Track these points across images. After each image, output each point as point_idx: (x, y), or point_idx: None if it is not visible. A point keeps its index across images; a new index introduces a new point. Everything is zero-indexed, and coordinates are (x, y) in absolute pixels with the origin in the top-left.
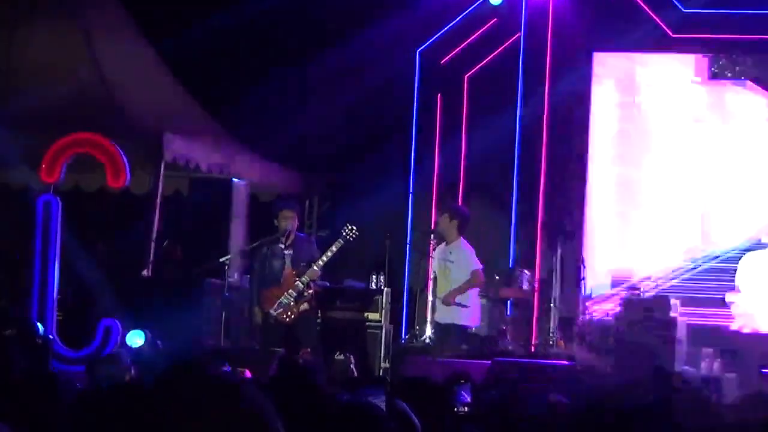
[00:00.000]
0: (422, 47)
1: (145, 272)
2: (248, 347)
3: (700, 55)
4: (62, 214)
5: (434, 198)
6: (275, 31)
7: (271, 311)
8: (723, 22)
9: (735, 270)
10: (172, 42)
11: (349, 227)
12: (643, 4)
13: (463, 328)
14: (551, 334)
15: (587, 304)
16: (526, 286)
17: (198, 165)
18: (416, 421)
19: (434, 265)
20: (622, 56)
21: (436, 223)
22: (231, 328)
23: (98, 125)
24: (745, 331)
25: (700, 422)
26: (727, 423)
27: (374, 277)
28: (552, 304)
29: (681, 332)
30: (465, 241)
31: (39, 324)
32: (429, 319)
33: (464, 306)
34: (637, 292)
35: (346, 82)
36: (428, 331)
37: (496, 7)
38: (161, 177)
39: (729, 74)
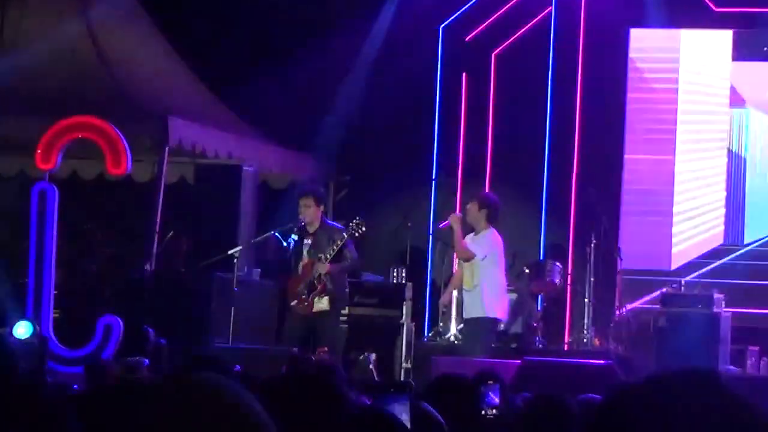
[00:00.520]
0: (445, 23)
1: (147, 266)
2: (259, 347)
3: (740, 31)
4: (59, 203)
5: (459, 184)
6: (289, 8)
7: (289, 302)
8: None
9: None
10: (177, 20)
11: (357, 221)
12: None
13: (493, 321)
14: (585, 331)
15: (624, 298)
16: (557, 280)
17: (204, 150)
18: (443, 422)
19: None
20: (660, 33)
21: (463, 212)
22: (241, 326)
23: (97, 108)
24: None
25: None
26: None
27: (394, 270)
28: (586, 299)
29: (725, 329)
30: (495, 232)
31: (34, 322)
32: (454, 315)
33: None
34: (678, 286)
35: (364, 61)
36: (453, 328)
37: None
38: (165, 163)
39: None
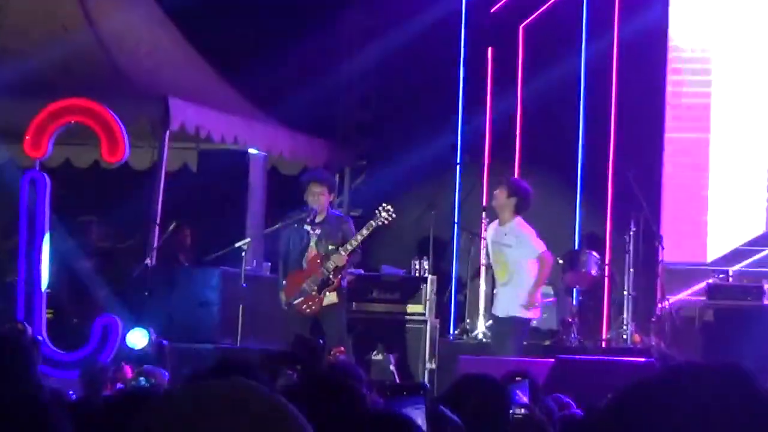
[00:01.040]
0: None
1: (148, 261)
2: (270, 348)
3: None
4: (51, 193)
5: (486, 167)
6: None
7: (291, 300)
8: None
9: None
10: None
11: (385, 208)
12: None
13: (526, 322)
14: (625, 327)
15: (666, 290)
16: (594, 271)
17: (209, 134)
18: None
19: (487, 249)
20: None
21: (491, 199)
22: (250, 326)
23: (92, 90)
24: None
25: None
26: None
27: (416, 262)
28: (625, 291)
29: None
30: (523, 222)
31: (25, 322)
32: (482, 311)
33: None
34: (726, 276)
35: (381, 36)
36: (481, 325)
37: None
38: (166, 149)
39: None
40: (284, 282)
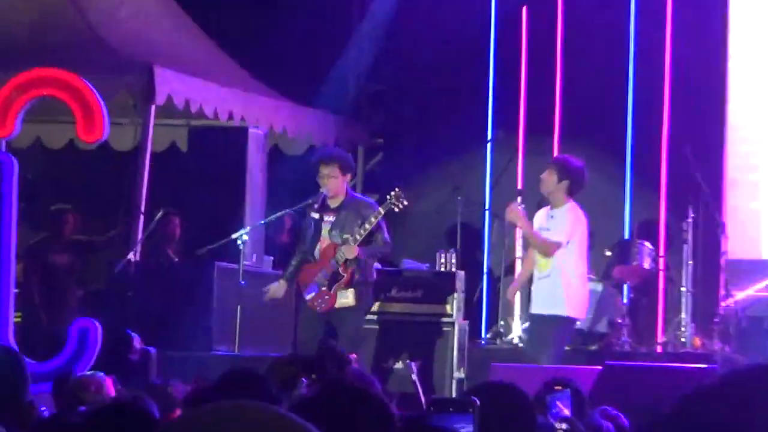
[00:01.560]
0: None
1: (131, 255)
2: (274, 356)
3: None
4: (19, 178)
5: (521, 143)
6: None
7: (304, 295)
8: None
9: None
10: None
11: (396, 193)
12: None
13: (569, 322)
14: (683, 329)
15: (731, 287)
16: (647, 265)
17: (201, 109)
18: None
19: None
20: None
21: (541, 182)
22: (250, 330)
23: (67, 59)
24: None
25: None
26: None
27: (442, 255)
28: (683, 288)
29: None
30: (578, 207)
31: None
32: (518, 310)
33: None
34: None
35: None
36: (517, 327)
37: None
38: (151, 126)
39: None
40: (292, 273)
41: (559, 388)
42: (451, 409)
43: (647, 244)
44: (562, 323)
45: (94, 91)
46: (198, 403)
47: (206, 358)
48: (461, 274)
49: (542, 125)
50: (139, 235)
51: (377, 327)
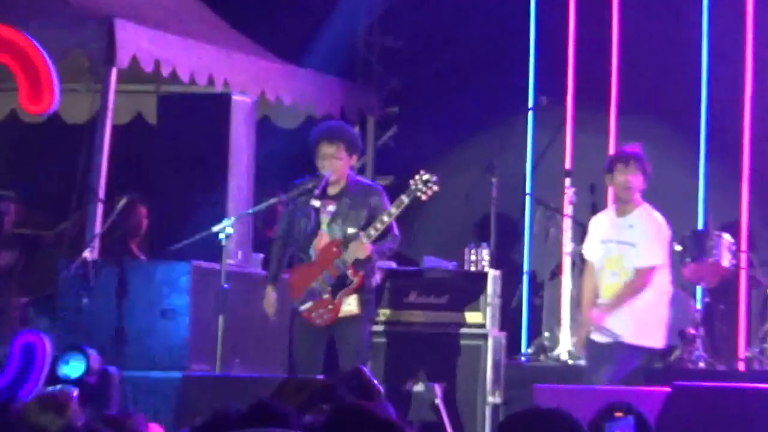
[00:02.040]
0: None
1: (87, 253)
2: (264, 376)
3: None
4: None
5: (570, 114)
6: None
7: (297, 305)
8: None
9: None
10: None
11: (422, 176)
12: None
13: (647, 352)
14: None
15: None
16: (726, 262)
17: (174, 71)
18: None
19: (593, 245)
20: None
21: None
22: (235, 344)
23: (6, 13)
24: None
25: None
26: None
27: (472, 250)
28: None
29: None
30: (653, 210)
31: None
32: (566, 320)
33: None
34: None
35: None
36: (565, 340)
37: None
38: (112, 94)
39: None
40: (277, 274)
41: (620, 414)
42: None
43: (726, 236)
44: (638, 354)
45: (42, 51)
46: None
47: (180, 380)
48: (496, 274)
49: (595, 95)
50: (97, 228)
51: (390, 340)
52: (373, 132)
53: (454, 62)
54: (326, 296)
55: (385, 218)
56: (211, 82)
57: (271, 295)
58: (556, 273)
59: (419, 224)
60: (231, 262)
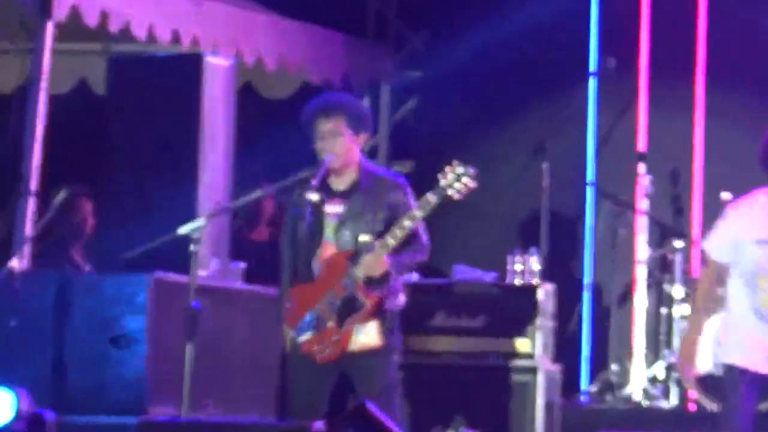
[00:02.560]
0: None
1: (15, 261)
2: (244, 422)
3: None
4: None
5: (645, 80)
6: None
7: (294, 335)
8: None
9: None
10: None
11: (457, 170)
12: None
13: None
14: None
15: None
16: None
17: (128, 26)
18: None
19: (736, 241)
20: None
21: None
22: (209, 379)
23: None
24: None
25: None
26: None
27: (517, 258)
28: None
29: None
30: None
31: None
32: (641, 347)
33: None
34: None
35: None
36: (640, 374)
37: None
38: (47, 54)
39: None
40: (286, 303)
41: None
42: None
43: None
44: None
45: None
46: None
47: (135, 427)
48: (549, 289)
49: (675, 59)
50: (28, 230)
51: (410, 376)
52: (387, 104)
53: (493, 15)
54: (331, 325)
55: (407, 223)
56: (175, 39)
57: (287, 334)
58: (627, 288)
59: (448, 223)
60: (203, 273)
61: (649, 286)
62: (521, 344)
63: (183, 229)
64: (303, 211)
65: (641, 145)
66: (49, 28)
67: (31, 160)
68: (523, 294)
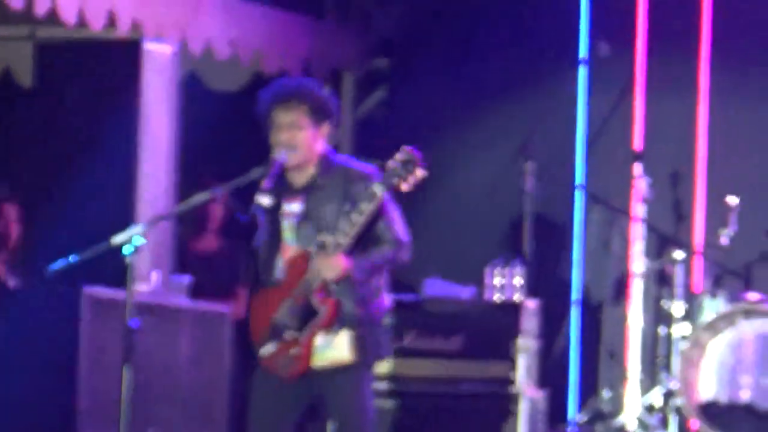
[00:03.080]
0: None
1: None
2: None
3: None
4: None
5: (640, 72)
6: None
7: (256, 349)
8: None
9: None
10: None
11: (404, 155)
12: None
13: None
14: None
15: None
16: None
17: (55, 8)
18: None
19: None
20: None
21: None
22: (152, 408)
23: None
24: None
25: None
26: None
27: (497, 270)
28: None
29: None
30: None
31: None
32: (635, 370)
33: None
34: None
35: None
36: (635, 400)
37: None
38: None
39: None
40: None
41: None
42: None
43: None
44: None
45: None
46: None
47: None
48: (533, 305)
49: (676, 44)
50: None
51: (378, 404)
52: (351, 95)
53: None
54: (290, 334)
55: (355, 217)
56: (111, 23)
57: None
58: (621, 304)
59: (418, 231)
60: (142, 288)
61: (645, 303)
62: (501, 369)
63: (118, 238)
64: (258, 213)
65: (637, 142)
66: None
67: None
68: (504, 312)
